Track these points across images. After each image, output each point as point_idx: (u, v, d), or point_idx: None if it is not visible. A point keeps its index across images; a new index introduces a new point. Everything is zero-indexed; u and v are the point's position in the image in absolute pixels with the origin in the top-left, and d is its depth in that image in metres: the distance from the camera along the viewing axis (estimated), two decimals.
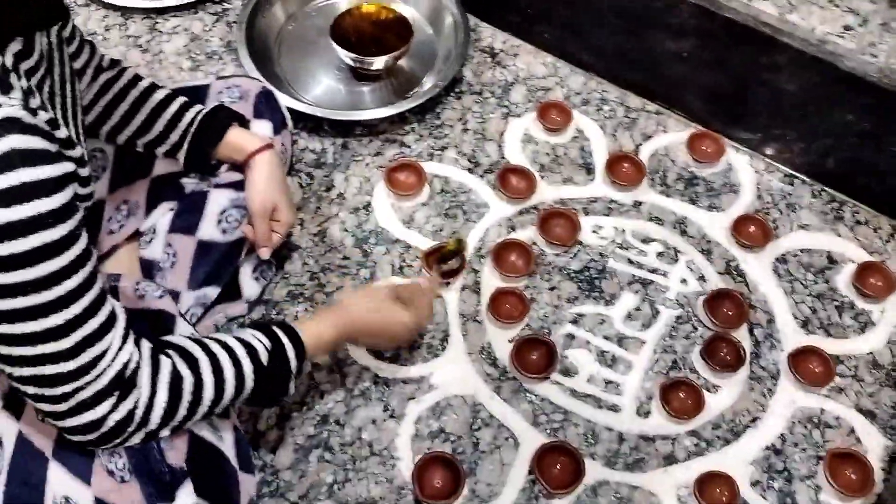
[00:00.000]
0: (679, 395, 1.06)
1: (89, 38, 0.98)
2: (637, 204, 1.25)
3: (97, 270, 0.67)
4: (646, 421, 1.06)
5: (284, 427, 1.02)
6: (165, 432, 0.74)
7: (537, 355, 1.09)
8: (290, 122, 1.16)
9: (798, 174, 1.29)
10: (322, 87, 1.36)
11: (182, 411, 0.75)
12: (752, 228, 1.22)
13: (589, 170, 1.29)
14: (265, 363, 0.81)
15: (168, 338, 0.80)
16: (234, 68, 1.36)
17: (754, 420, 1.06)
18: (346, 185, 1.25)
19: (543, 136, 1.32)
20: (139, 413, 0.71)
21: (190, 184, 1.06)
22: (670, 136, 1.33)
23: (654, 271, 1.18)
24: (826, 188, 1.28)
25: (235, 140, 1.02)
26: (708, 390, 1.08)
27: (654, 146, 1.32)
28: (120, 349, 0.69)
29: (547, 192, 1.25)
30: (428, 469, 0.99)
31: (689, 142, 1.30)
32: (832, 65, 1.14)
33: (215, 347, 0.79)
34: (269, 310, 1.12)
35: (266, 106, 1.12)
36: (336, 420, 1.04)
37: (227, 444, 0.85)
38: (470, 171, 1.28)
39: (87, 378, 0.67)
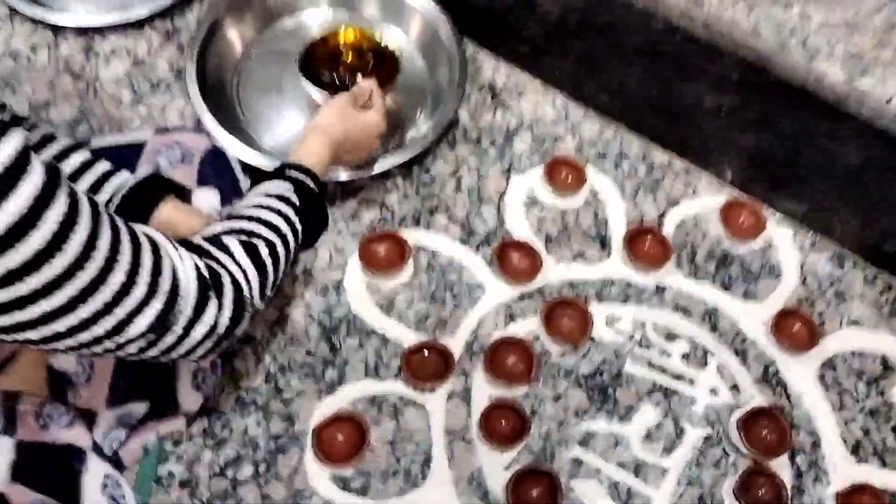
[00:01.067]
0: None
1: None
2: (660, 289, 1.05)
3: (110, 216, 0.56)
4: None
5: None
6: (263, 304, 0.73)
7: (538, 491, 0.89)
8: (244, 186, 0.95)
9: (849, 254, 1.09)
10: (289, 126, 1.14)
11: (270, 274, 0.72)
12: (797, 326, 1.02)
13: (604, 243, 1.08)
14: (299, 204, 0.79)
15: (212, 227, 0.73)
16: (182, 103, 1.13)
17: None
18: (314, 257, 1.04)
19: (551, 198, 1.11)
20: (246, 293, 0.68)
21: None
22: (701, 201, 1.12)
23: (678, 378, 0.99)
24: (881, 272, 1.08)
25: (167, 220, 0.82)
26: None
27: (682, 214, 1.11)
28: (181, 257, 0.62)
29: (553, 272, 1.05)
30: None
31: (724, 212, 1.10)
32: None
33: (255, 211, 0.75)
34: (212, 423, 0.92)
35: (213, 168, 0.92)
36: None
37: None
38: (463, 241, 1.07)
39: (179, 303, 0.60)
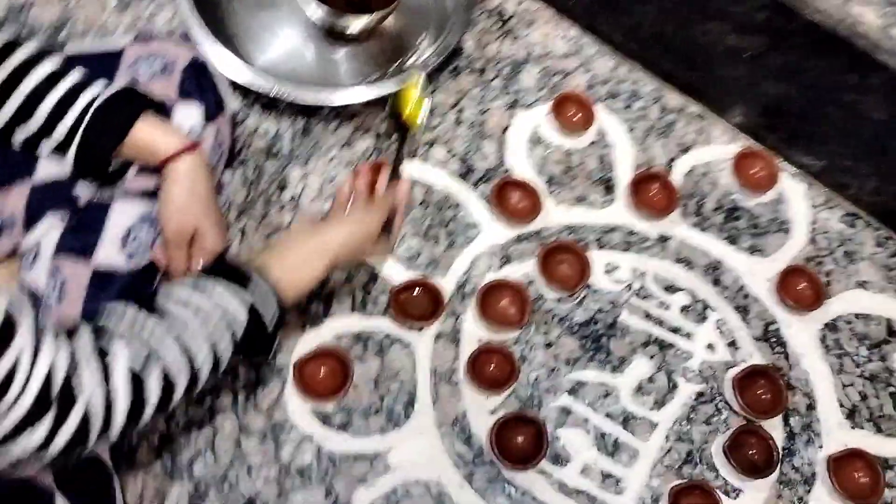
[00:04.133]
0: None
1: None
2: (663, 239, 1.01)
3: None
4: None
5: None
6: (135, 428, 0.62)
7: (523, 438, 0.87)
8: (229, 105, 0.89)
9: (862, 214, 1.05)
10: (284, 45, 1.07)
11: (149, 410, 0.62)
12: (802, 285, 0.98)
13: (608, 187, 1.03)
14: (240, 337, 0.67)
15: (119, 321, 0.62)
16: (171, 12, 1.06)
17: None
18: (303, 184, 0.99)
19: (556, 137, 1.06)
20: (94, 423, 0.57)
21: (86, 191, 0.80)
22: (713, 149, 1.07)
23: (675, 331, 0.96)
24: (894, 234, 1.04)
25: (145, 138, 0.76)
26: (727, 495, 0.88)
27: (692, 161, 1.06)
28: (34, 360, 0.53)
29: (553, 214, 1.01)
30: None
31: (737, 162, 1.04)
32: None
33: (184, 327, 0.64)
34: None
35: (196, 83, 0.85)
36: None
37: None
38: (461, 177, 1.02)
39: (2, 406, 0.51)
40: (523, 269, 0.97)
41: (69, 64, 0.78)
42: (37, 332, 0.54)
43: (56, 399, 0.54)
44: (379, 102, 1.03)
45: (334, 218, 0.85)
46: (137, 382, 0.60)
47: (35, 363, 0.53)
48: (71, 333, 0.59)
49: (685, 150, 1.07)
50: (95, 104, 0.75)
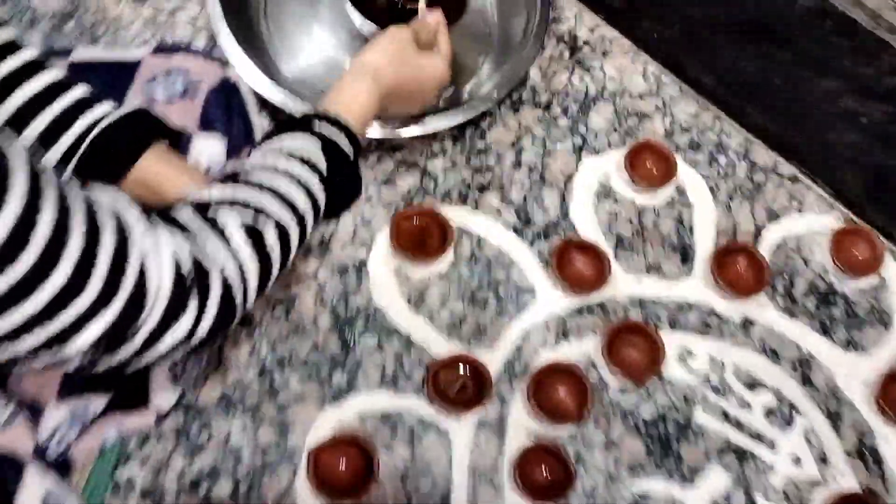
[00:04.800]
0: None
1: None
2: (747, 323, 0.86)
3: (61, 186, 0.42)
4: None
5: None
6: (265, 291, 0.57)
7: None
8: (259, 135, 0.75)
9: None
10: (319, 55, 0.93)
11: (276, 267, 0.57)
12: None
13: (685, 256, 0.89)
14: (325, 173, 0.62)
15: (209, 192, 0.56)
16: (196, 10, 0.92)
17: None
18: (335, 226, 0.85)
19: (628, 190, 0.91)
20: (237, 291, 0.53)
21: None
22: (808, 219, 0.93)
23: (757, 438, 0.82)
24: None
25: (152, 174, 0.63)
26: None
27: (784, 232, 0.92)
28: (157, 244, 0.48)
29: (621, 284, 0.86)
30: None
31: (835, 238, 0.90)
32: None
33: (269, 178, 0.57)
34: (188, 423, 0.75)
35: (223, 109, 0.71)
36: None
37: None
38: (517, 231, 0.87)
39: (143, 311, 0.46)
40: (583, 348, 0.83)
41: (72, 76, 0.63)
42: (145, 225, 0.48)
43: (192, 280, 0.49)
44: (428, 137, 0.89)
45: None
46: (257, 239, 0.54)
47: (160, 251, 0.47)
48: (164, 219, 0.52)
49: (774, 217, 0.92)
50: (96, 130, 0.61)
